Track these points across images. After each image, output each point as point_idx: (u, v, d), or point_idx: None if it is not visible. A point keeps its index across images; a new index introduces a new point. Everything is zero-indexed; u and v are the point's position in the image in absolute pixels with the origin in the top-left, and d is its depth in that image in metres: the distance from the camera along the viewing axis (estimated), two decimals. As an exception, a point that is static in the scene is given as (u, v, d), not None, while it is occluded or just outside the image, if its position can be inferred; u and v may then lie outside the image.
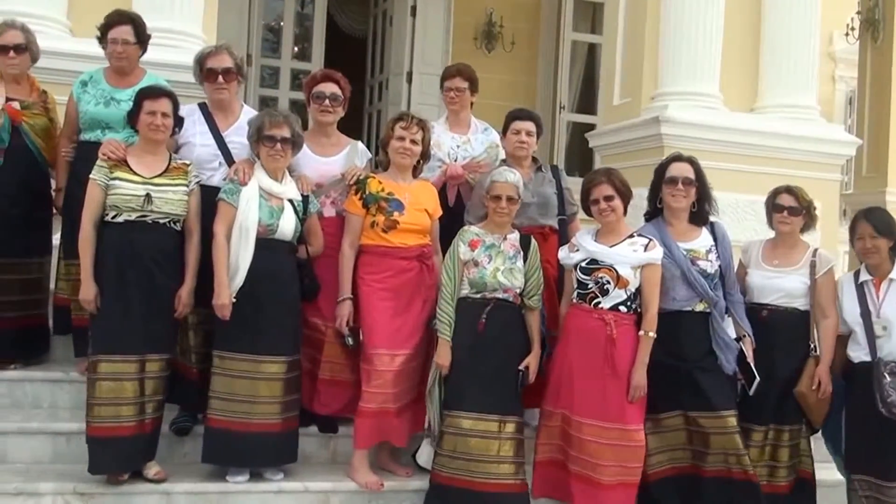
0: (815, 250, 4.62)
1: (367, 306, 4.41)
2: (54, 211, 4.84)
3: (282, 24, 10.70)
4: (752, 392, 4.38)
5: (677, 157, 4.55)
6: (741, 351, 4.40)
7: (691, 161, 4.51)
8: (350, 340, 4.43)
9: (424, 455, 4.49)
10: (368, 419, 4.35)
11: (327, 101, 4.66)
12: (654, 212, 4.58)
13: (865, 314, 4.34)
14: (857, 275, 4.46)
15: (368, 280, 4.44)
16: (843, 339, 4.48)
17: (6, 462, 4.34)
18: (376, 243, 4.44)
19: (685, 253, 4.40)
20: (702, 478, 4.34)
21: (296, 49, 10.91)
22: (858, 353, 4.36)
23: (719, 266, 4.45)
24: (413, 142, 4.47)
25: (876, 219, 4.37)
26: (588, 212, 4.43)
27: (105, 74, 4.69)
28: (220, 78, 4.48)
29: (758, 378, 4.36)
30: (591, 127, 8.89)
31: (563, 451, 4.29)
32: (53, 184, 4.82)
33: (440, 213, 4.67)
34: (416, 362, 4.44)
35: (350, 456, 4.53)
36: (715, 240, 4.50)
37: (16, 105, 4.61)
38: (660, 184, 4.51)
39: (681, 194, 4.43)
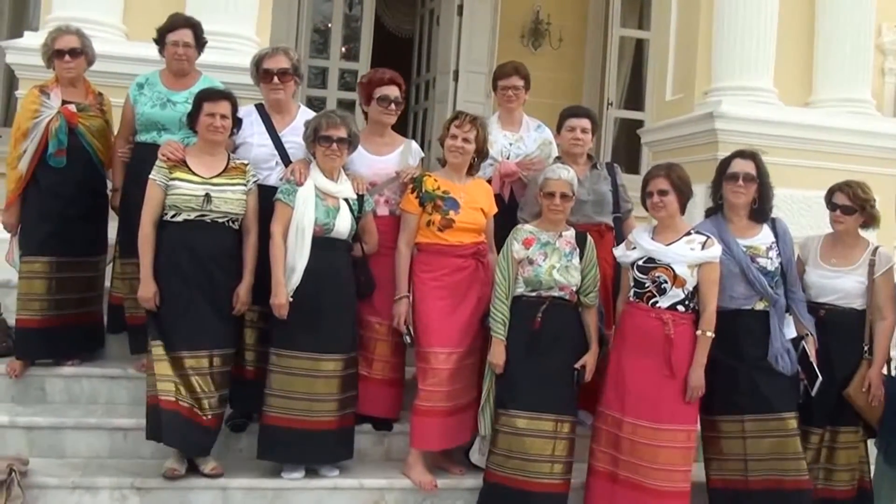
0: (876, 248, 4.51)
1: (423, 304, 4.40)
2: (111, 211, 4.89)
3: (329, 25, 10.75)
4: (814, 393, 4.29)
5: (740, 153, 4.46)
6: (803, 350, 4.30)
7: (754, 157, 4.41)
8: (409, 339, 4.42)
9: (477, 453, 4.46)
10: (424, 417, 4.34)
11: (392, 105, 4.67)
12: (716, 207, 4.50)
13: None
14: None
15: (424, 278, 4.43)
16: None
17: (64, 457, 4.39)
18: (432, 242, 4.43)
19: (745, 250, 4.31)
20: (750, 491, 4.23)
21: (343, 49, 10.94)
22: None
23: (780, 263, 4.36)
24: (465, 140, 4.44)
25: None
26: (645, 205, 4.36)
27: (161, 77, 4.76)
28: (276, 79, 4.51)
29: (820, 378, 4.26)
30: (639, 123, 8.83)
31: (615, 459, 4.20)
32: (110, 184, 4.87)
33: (495, 210, 4.65)
34: (471, 360, 4.42)
35: (404, 453, 4.53)
36: (776, 236, 4.40)
37: (72, 108, 4.66)
38: (721, 179, 4.43)
39: (741, 191, 4.34)
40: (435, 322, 4.36)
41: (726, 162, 4.46)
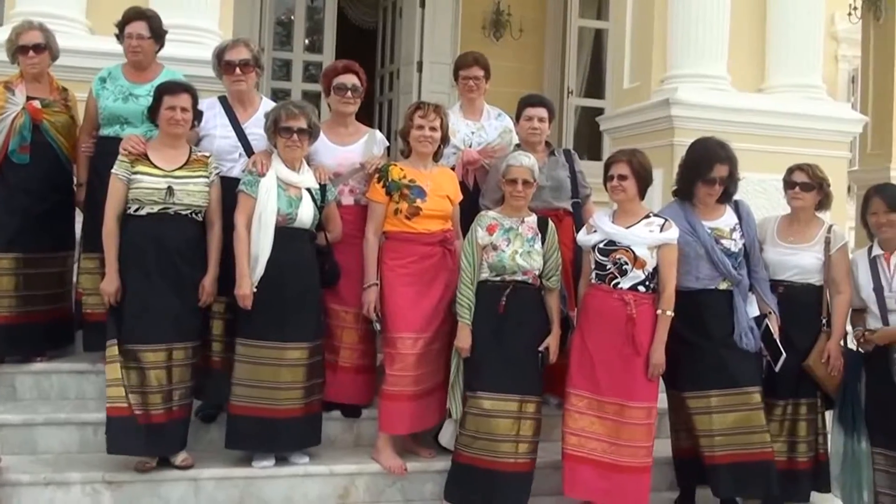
0: (830, 227, 4.56)
1: (391, 291, 4.39)
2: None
3: (293, 17, 10.67)
4: (777, 368, 4.35)
5: (718, 160, 4.43)
6: (767, 328, 4.35)
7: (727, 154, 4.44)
8: (378, 325, 4.40)
9: (447, 435, 4.46)
10: (392, 402, 4.33)
11: (349, 93, 4.65)
12: (682, 190, 4.50)
13: (878, 289, 4.29)
14: (869, 250, 4.41)
15: (392, 265, 4.42)
16: (860, 314, 4.43)
17: (36, 453, 4.33)
18: (400, 230, 4.41)
19: (709, 231, 4.34)
20: (716, 465, 4.27)
21: (307, 42, 10.88)
22: (875, 326, 4.30)
23: (743, 245, 4.39)
24: (432, 129, 4.44)
25: (890, 194, 4.33)
26: (607, 188, 4.37)
27: (123, 71, 4.69)
28: (238, 70, 4.48)
29: (784, 354, 4.32)
30: (599, 111, 8.87)
31: (589, 440, 4.21)
32: (75, 179, 4.79)
33: (461, 197, 4.64)
34: (437, 345, 4.41)
35: (374, 439, 4.52)
36: (739, 218, 4.45)
37: (37, 103, 4.58)
38: (698, 177, 4.41)
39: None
40: (402, 309, 4.34)
41: (708, 167, 4.38)
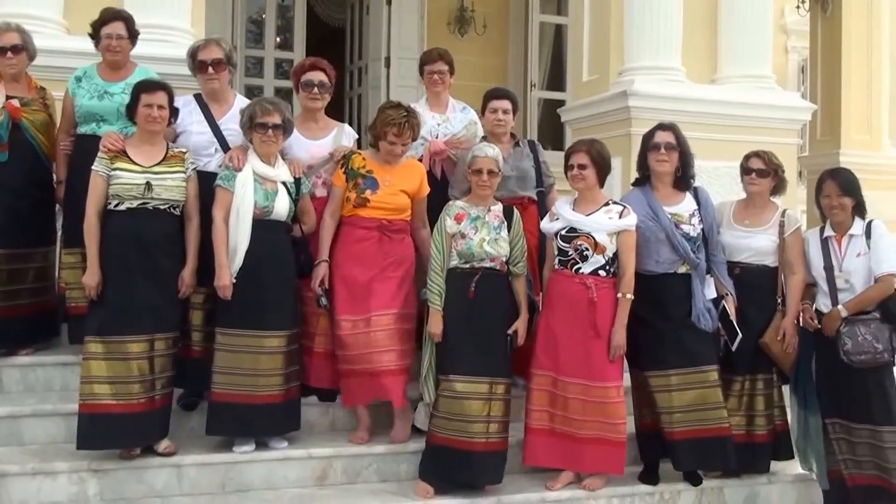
0: (784, 211, 4.65)
1: (335, 273, 4.45)
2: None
3: (264, 16, 10.65)
4: (734, 348, 4.44)
5: (660, 126, 4.57)
6: (724, 309, 4.44)
7: (673, 128, 4.53)
8: (324, 300, 4.43)
9: (421, 417, 4.51)
10: (346, 379, 4.47)
11: (316, 89, 4.68)
12: (643, 179, 4.59)
13: (829, 268, 4.37)
14: (821, 231, 4.49)
15: (339, 248, 4.47)
16: (809, 288, 4.52)
17: (23, 444, 4.32)
18: (348, 215, 4.48)
19: (670, 217, 4.41)
20: (676, 441, 4.38)
21: (278, 39, 10.86)
22: (824, 303, 4.39)
23: (702, 229, 4.47)
24: (404, 145, 4.49)
25: (842, 178, 4.40)
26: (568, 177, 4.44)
27: (98, 69, 4.69)
28: (211, 69, 4.50)
29: (740, 334, 4.41)
30: (561, 103, 8.91)
31: (551, 416, 4.30)
32: (55, 177, 4.78)
33: (426, 191, 4.66)
34: (377, 328, 4.40)
35: (349, 423, 4.62)
36: (698, 204, 4.52)
37: (15, 102, 4.57)
38: (645, 151, 4.53)
39: (664, 158, 4.45)
40: (342, 292, 4.42)
41: (649, 134, 4.56)
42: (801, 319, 4.53)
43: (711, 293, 4.46)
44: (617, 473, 4.34)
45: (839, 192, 4.35)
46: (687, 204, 4.51)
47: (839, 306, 4.30)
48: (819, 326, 4.37)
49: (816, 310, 4.43)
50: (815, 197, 4.51)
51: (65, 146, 4.70)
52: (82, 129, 4.61)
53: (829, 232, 4.44)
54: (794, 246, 4.56)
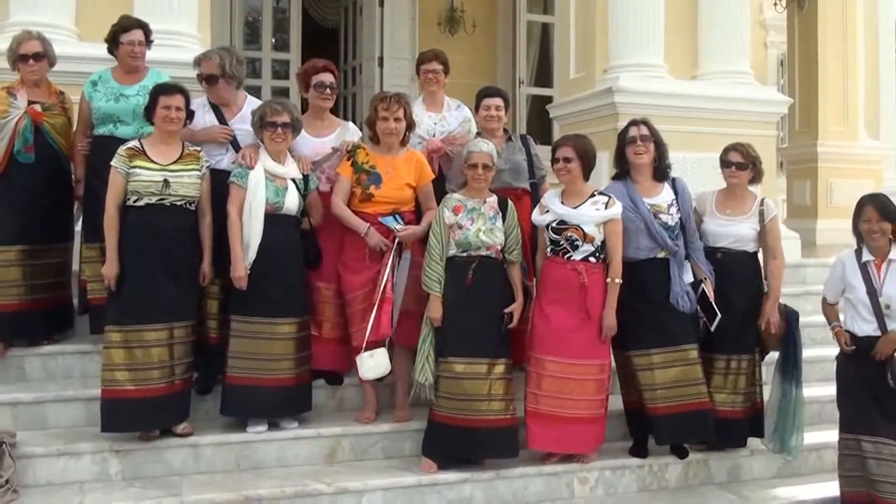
0: (762, 200, 4.79)
1: (343, 272, 4.66)
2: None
3: (260, 18, 10.72)
4: (713, 328, 4.57)
5: (633, 122, 4.70)
6: (703, 292, 4.58)
7: (646, 122, 4.68)
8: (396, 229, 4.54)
9: (363, 368, 4.48)
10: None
11: (328, 90, 4.81)
12: (622, 173, 4.71)
13: (872, 293, 4.22)
14: (858, 254, 4.33)
15: (346, 245, 4.64)
16: (833, 308, 4.51)
17: (46, 428, 4.44)
18: (354, 210, 4.59)
19: (649, 207, 4.55)
20: (659, 416, 4.51)
21: (273, 40, 10.93)
22: (865, 327, 4.24)
23: (679, 218, 4.60)
24: (396, 119, 4.57)
25: (881, 204, 4.26)
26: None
27: (113, 73, 4.80)
28: (204, 83, 4.67)
29: (719, 315, 4.55)
30: (549, 99, 9.00)
31: (546, 397, 4.42)
32: (73, 176, 4.90)
33: (430, 177, 4.76)
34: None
35: (356, 403, 4.77)
36: (676, 194, 4.65)
37: (37, 107, 4.69)
38: (623, 146, 4.66)
39: (641, 150, 4.58)
40: (347, 276, 4.62)
41: (624, 131, 4.70)
42: (837, 342, 4.41)
43: (689, 277, 4.60)
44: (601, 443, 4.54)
45: (879, 217, 4.21)
46: (665, 195, 4.64)
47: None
48: (854, 348, 4.26)
49: (849, 331, 4.30)
50: (852, 221, 4.35)
51: (82, 146, 4.82)
52: (100, 131, 4.72)
53: (867, 256, 4.29)
54: (773, 232, 4.72)
